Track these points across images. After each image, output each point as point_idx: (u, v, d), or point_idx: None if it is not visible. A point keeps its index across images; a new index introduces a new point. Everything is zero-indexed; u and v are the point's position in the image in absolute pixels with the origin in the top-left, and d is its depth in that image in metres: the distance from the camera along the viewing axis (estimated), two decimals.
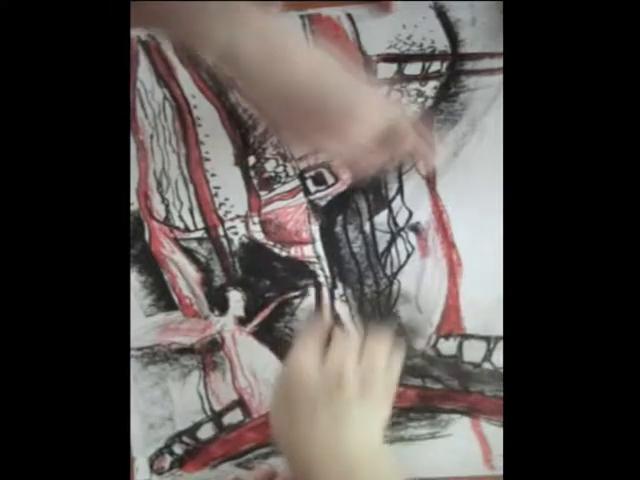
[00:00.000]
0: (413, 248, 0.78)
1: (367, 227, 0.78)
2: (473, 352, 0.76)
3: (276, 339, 0.79)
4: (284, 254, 0.79)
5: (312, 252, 0.79)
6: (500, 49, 0.76)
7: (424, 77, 0.78)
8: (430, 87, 0.78)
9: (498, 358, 0.76)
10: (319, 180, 0.79)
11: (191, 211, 0.80)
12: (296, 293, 0.79)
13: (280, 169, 0.79)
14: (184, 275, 0.80)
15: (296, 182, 0.79)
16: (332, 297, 0.78)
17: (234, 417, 0.79)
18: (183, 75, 0.81)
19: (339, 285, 0.78)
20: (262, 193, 0.80)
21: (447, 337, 0.77)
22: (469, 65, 0.78)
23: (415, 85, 0.78)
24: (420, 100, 0.78)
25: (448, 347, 0.77)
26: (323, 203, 0.79)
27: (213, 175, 0.80)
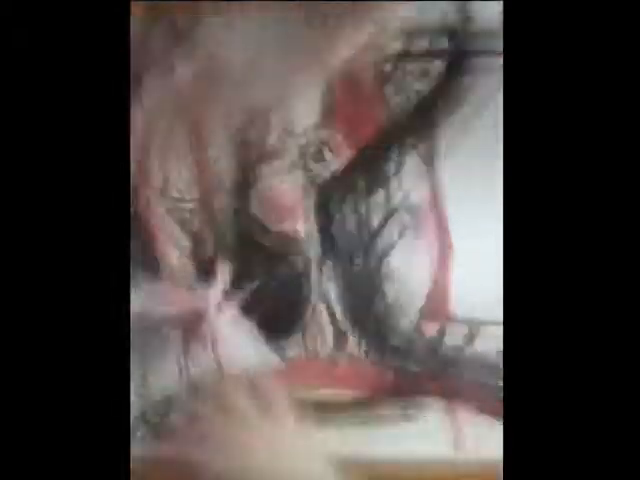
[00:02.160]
0: (406, 229, 0.77)
1: (362, 206, 0.78)
2: (455, 336, 0.76)
3: (260, 313, 0.79)
4: (276, 229, 0.79)
5: (304, 228, 0.78)
6: (498, 49, 0.75)
7: (432, 55, 0.77)
8: (437, 66, 0.77)
9: (479, 343, 0.76)
10: (318, 157, 0.78)
11: (187, 181, 0.80)
12: (285, 268, 0.78)
13: (280, 144, 0.79)
14: (175, 245, 0.80)
15: (295, 157, 0.79)
16: (320, 274, 0.78)
17: None
18: None
19: (329, 263, 0.78)
20: (260, 167, 0.79)
21: (431, 320, 0.77)
22: (478, 45, 0.76)
23: (422, 64, 0.77)
24: (426, 80, 0.77)
25: (431, 329, 0.77)
26: (320, 180, 0.78)
27: (212, 146, 0.80)
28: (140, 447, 0.79)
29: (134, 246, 0.80)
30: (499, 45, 0.73)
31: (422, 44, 0.77)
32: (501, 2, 0.65)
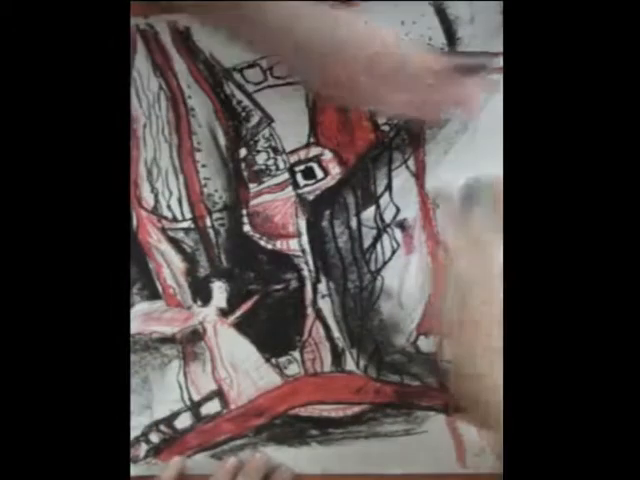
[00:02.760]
0: (398, 245, 0.77)
1: (354, 222, 0.78)
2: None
3: (257, 331, 0.80)
4: (270, 247, 0.79)
5: (297, 246, 0.79)
6: (497, 48, 0.75)
7: None
8: None
9: None
10: (309, 174, 0.79)
11: (180, 201, 0.80)
12: (279, 286, 0.79)
13: (270, 162, 0.79)
14: (169, 265, 0.80)
15: (286, 175, 0.79)
16: (315, 291, 0.79)
17: (212, 407, 0.81)
18: (179, 65, 0.80)
19: (323, 279, 0.79)
20: (251, 185, 0.79)
21: (427, 334, 0.77)
22: (464, 64, 0.76)
23: None
24: None
25: (427, 344, 0.77)
26: (311, 197, 0.79)
27: (203, 166, 0.80)
28: (142, 466, 0.80)
29: (130, 266, 0.80)
30: (486, 62, 0.75)
31: None
32: (501, 2, 0.66)
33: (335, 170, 0.78)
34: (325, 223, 0.79)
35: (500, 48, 0.72)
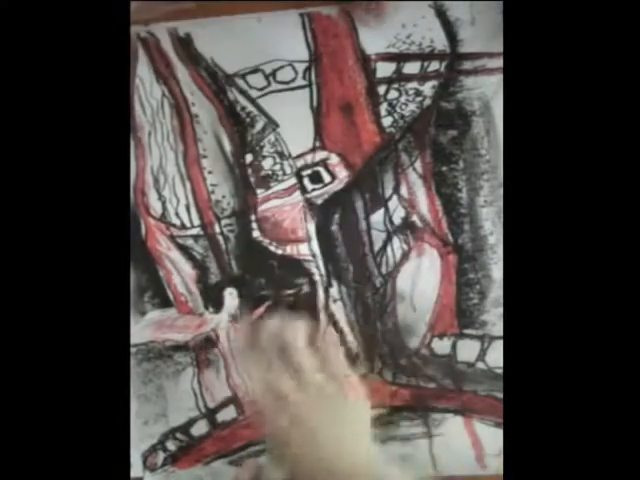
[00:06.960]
0: (409, 246, 0.78)
1: (363, 226, 0.78)
2: (467, 352, 0.77)
3: None
4: (280, 252, 0.79)
5: (308, 250, 0.79)
6: (499, 49, 0.76)
7: (423, 76, 0.78)
8: (428, 86, 0.78)
9: (491, 358, 0.77)
10: (316, 178, 0.79)
11: (187, 208, 0.80)
12: (291, 291, 0.79)
13: (277, 167, 0.79)
14: (180, 272, 0.80)
15: (293, 180, 0.79)
16: (327, 295, 0.79)
17: (227, 414, 0.80)
18: (182, 72, 0.80)
19: (334, 284, 0.79)
20: (259, 191, 0.79)
21: (441, 336, 0.78)
22: (468, 65, 0.77)
23: (414, 84, 0.78)
24: (418, 99, 0.78)
25: (442, 346, 0.78)
26: (320, 201, 0.79)
27: (210, 172, 0.80)
28: (159, 474, 0.80)
29: (140, 274, 0.80)
30: (488, 63, 0.76)
31: (414, 66, 0.77)
32: (501, 2, 0.66)
33: (342, 174, 0.78)
34: (334, 227, 0.79)
35: (501, 48, 0.73)
